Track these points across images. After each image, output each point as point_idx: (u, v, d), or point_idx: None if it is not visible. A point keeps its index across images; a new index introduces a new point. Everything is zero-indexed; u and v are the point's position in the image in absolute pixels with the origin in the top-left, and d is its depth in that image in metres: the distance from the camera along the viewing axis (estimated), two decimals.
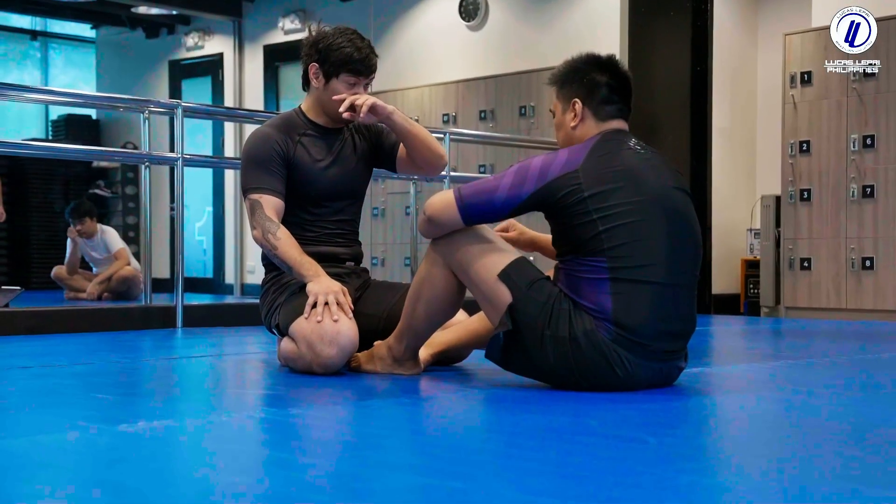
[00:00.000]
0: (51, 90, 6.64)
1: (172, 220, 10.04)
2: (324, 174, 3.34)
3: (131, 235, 10.41)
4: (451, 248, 2.89)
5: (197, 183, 10.41)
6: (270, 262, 3.34)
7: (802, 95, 7.09)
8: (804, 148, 7.06)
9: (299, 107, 3.43)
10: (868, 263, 6.78)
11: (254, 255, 10.34)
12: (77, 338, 4.44)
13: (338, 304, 3.02)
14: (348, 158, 3.40)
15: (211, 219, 10.75)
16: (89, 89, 11.76)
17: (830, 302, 6.92)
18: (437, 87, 8.64)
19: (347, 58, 3.23)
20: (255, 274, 10.28)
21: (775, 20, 8.03)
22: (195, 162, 4.99)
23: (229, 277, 10.49)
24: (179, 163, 4.83)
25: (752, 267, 7.72)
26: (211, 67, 10.72)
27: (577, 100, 2.87)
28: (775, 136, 7.58)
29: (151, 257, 5.34)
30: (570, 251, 2.76)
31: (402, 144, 3.40)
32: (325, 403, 2.60)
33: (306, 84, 3.39)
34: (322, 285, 3.05)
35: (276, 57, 10.13)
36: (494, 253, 2.85)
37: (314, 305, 3.02)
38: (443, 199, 2.85)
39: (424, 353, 3.19)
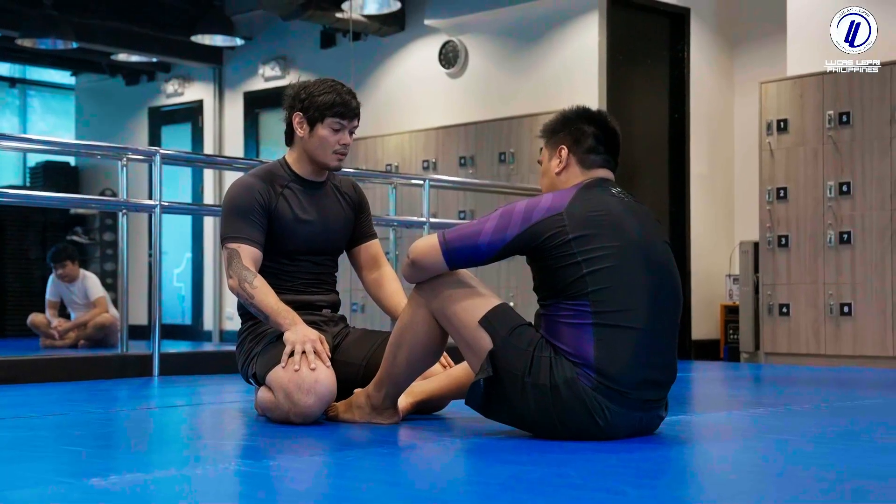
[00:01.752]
0: (28, 138, 6.62)
1: (150, 266, 10.00)
2: (304, 229, 3.33)
3: (109, 282, 10.33)
4: (433, 294, 2.88)
5: (176, 228, 10.37)
6: (247, 311, 3.31)
7: (779, 143, 7.14)
8: (781, 195, 7.10)
9: (283, 158, 3.42)
10: (846, 309, 6.79)
11: (232, 301, 10.26)
12: (52, 387, 4.39)
13: (315, 352, 2.99)
14: (330, 215, 3.40)
15: (190, 265, 10.70)
16: (68, 136, 11.73)
17: (810, 348, 6.93)
18: (418, 133, 8.66)
19: (332, 102, 3.26)
20: (234, 320, 10.21)
21: (751, 68, 8.11)
22: (173, 209, 4.97)
23: (208, 324, 10.42)
24: (157, 210, 4.80)
25: (731, 312, 7.73)
26: (191, 114, 10.72)
27: (563, 146, 2.91)
28: (753, 182, 7.63)
29: (128, 304, 5.30)
30: (551, 295, 2.76)
31: (367, 244, 3.50)
32: (302, 454, 2.57)
33: (289, 138, 3.39)
34: (299, 334, 3.03)
35: (256, 104, 10.14)
36: (476, 298, 2.84)
37: (291, 354, 2.99)
38: (427, 244, 2.85)
39: (404, 401, 3.16)
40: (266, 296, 3.14)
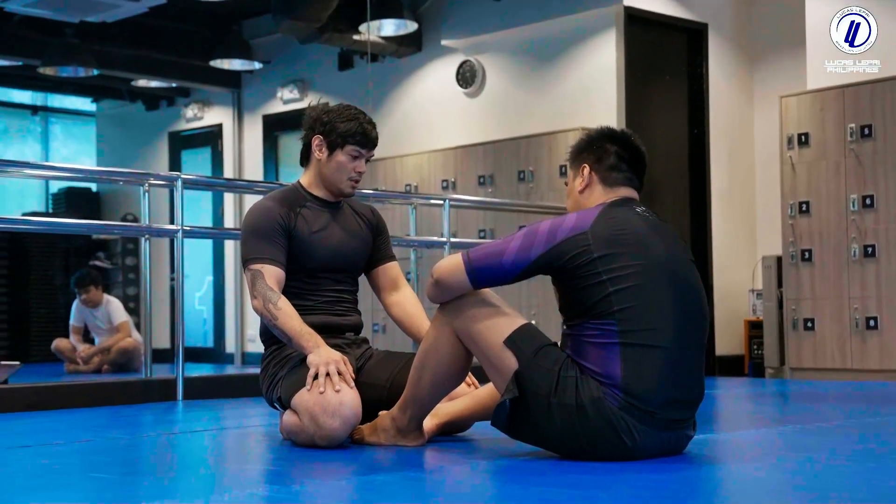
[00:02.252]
0: (51, 166, 6.64)
1: (173, 289, 10.03)
2: (323, 245, 3.35)
3: (132, 306, 10.36)
4: (457, 314, 2.87)
5: (197, 252, 10.40)
6: (270, 336, 3.32)
7: (800, 156, 7.10)
8: (804, 209, 7.06)
9: (298, 181, 3.45)
10: (872, 323, 6.74)
11: (254, 323, 10.30)
12: (77, 413, 4.39)
13: (339, 373, 2.99)
14: (348, 232, 3.42)
15: (211, 288, 10.73)
16: (90, 162, 11.80)
17: (835, 362, 6.87)
18: (436, 153, 8.67)
19: (353, 130, 3.31)
20: (256, 343, 10.21)
21: (770, 82, 8.08)
22: (195, 233, 4.98)
23: (230, 347, 10.44)
24: (179, 235, 4.82)
25: (755, 328, 7.68)
26: (210, 138, 10.77)
27: (585, 165, 2.91)
28: (774, 196, 7.59)
29: (151, 328, 5.30)
30: (577, 315, 2.75)
31: (386, 266, 3.49)
32: (328, 479, 2.56)
33: (305, 159, 3.44)
34: (322, 356, 3.03)
35: (275, 126, 10.18)
36: (501, 318, 2.83)
37: (315, 377, 2.99)
38: (451, 263, 2.84)
39: (430, 423, 3.14)
40: (290, 318, 3.14)
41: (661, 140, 7.79)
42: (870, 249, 6.78)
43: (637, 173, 2.95)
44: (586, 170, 2.91)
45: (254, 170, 10.25)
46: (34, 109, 11.96)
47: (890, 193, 6.73)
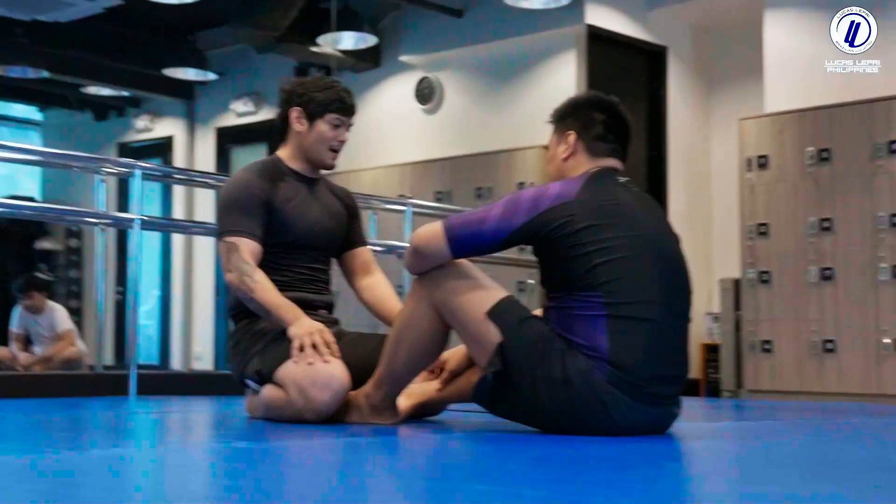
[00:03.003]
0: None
1: (118, 303, 9.78)
2: (301, 220, 3.24)
3: (75, 319, 10.08)
4: (435, 286, 2.75)
5: (144, 266, 10.17)
6: (240, 310, 3.19)
7: (759, 178, 7.11)
8: (762, 231, 7.06)
9: (276, 155, 3.34)
10: (830, 346, 6.73)
11: (201, 340, 10.08)
12: (20, 402, 4.18)
13: (326, 343, 2.87)
14: (325, 209, 3.32)
15: (158, 303, 10.48)
16: (33, 173, 11.53)
17: (793, 384, 6.85)
18: (393, 168, 8.58)
19: (332, 98, 3.24)
20: (203, 360, 9.99)
21: (728, 106, 8.12)
22: (152, 223, 4.80)
23: (176, 364, 10.19)
24: (136, 225, 4.64)
25: (711, 351, 7.65)
26: (161, 150, 10.57)
27: (571, 132, 2.81)
28: (731, 219, 7.59)
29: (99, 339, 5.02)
30: (561, 287, 2.65)
31: (359, 250, 3.40)
32: (304, 438, 2.42)
33: (281, 134, 3.32)
34: (304, 327, 2.93)
35: (228, 139, 10.02)
36: (482, 290, 2.72)
37: (301, 349, 2.87)
38: (429, 231, 2.73)
39: (404, 403, 3.01)
40: (267, 291, 3.03)
41: None
42: (828, 272, 6.79)
43: (622, 143, 2.86)
44: (572, 137, 2.81)
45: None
46: None
47: (848, 216, 6.75)
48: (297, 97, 3.26)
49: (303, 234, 3.24)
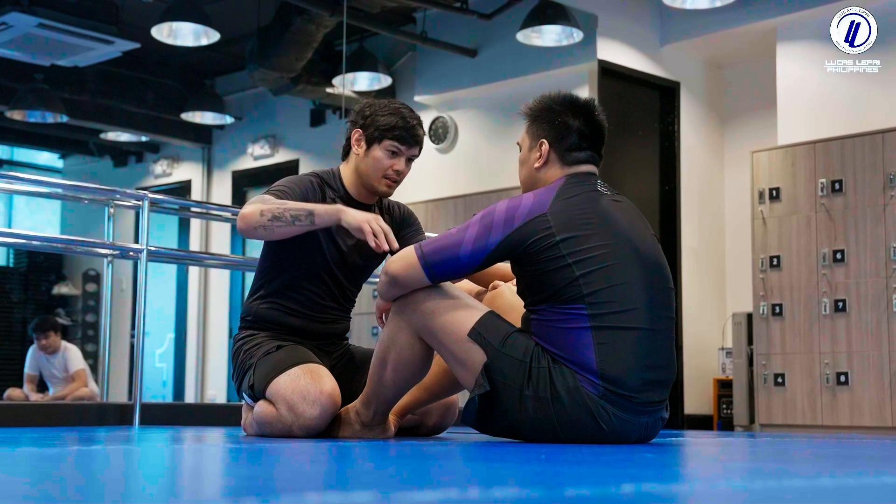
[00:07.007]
0: (14, 177, 6.24)
1: (132, 346, 9.82)
2: (340, 256, 3.15)
3: (91, 363, 10.15)
4: (413, 310, 2.70)
5: (159, 308, 10.23)
6: (244, 317, 3.16)
7: (771, 211, 7.10)
8: (775, 263, 7.03)
9: (338, 168, 3.22)
10: (843, 379, 6.66)
11: (215, 382, 10.09)
12: (24, 430, 4.20)
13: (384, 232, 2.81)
14: (362, 252, 3.18)
15: (173, 345, 10.52)
16: (55, 218, 11.66)
17: (806, 418, 6.78)
18: (409, 205, 8.60)
19: (393, 124, 3.08)
20: (217, 402, 9.99)
21: (741, 138, 8.13)
22: (160, 254, 4.85)
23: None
24: (144, 255, 4.68)
25: (724, 387, 7.59)
26: (179, 194, 10.66)
27: (544, 141, 2.76)
28: (744, 253, 7.56)
29: (109, 379, 5.04)
30: (543, 300, 2.60)
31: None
32: (297, 442, 2.42)
33: (345, 153, 3.22)
34: (360, 214, 2.83)
35: (244, 183, 10.10)
36: (461, 310, 2.66)
37: (371, 233, 2.79)
38: (405, 260, 2.67)
39: (392, 417, 3.00)
40: (290, 203, 2.91)
41: (632, 196, 7.69)
42: (840, 304, 6.74)
43: (598, 150, 2.80)
44: (545, 146, 2.75)
45: (221, 227, 10.14)
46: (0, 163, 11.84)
47: (860, 248, 6.71)
48: (362, 118, 3.13)
49: (335, 267, 3.15)
